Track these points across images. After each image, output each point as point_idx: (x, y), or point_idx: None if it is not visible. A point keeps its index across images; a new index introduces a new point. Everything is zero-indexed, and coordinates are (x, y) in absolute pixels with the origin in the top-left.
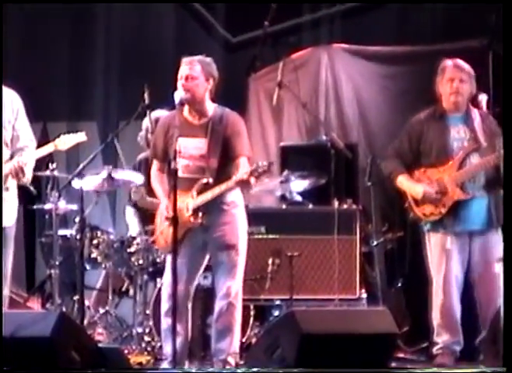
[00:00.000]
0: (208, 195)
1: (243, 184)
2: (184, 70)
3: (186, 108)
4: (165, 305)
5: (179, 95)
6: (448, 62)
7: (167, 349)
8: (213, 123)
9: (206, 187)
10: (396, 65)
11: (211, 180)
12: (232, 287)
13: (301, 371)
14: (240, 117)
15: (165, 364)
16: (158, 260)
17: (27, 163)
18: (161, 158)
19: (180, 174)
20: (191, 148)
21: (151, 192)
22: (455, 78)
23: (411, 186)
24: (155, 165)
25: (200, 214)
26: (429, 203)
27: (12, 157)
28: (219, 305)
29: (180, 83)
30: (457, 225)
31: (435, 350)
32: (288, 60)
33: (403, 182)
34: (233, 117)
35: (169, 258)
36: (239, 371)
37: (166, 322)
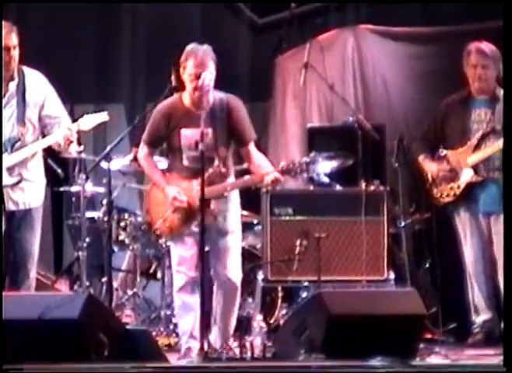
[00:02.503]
0: (227, 187)
1: (274, 183)
2: (197, 69)
3: (187, 97)
4: (177, 283)
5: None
6: (472, 47)
7: (183, 326)
8: (216, 112)
9: (216, 176)
10: (422, 45)
11: (223, 170)
12: (233, 271)
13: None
14: (239, 100)
15: (182, 342)
16: None
17: (73, 130)
18: (155, 145)
19: (186, 164)
20: (197, 139)
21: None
22: (477, 64)
23: (427, 165)
24: (144, 150)
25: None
26: (444, 182)
27: (43, 134)
28: (222, 287)
29: (194, 83)
30: (473, 206)
31: (473, 329)
32: (314, 41)
33: (422, 162)
34: (234, 102)
35: (171, 245)
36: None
37: (179, 299)
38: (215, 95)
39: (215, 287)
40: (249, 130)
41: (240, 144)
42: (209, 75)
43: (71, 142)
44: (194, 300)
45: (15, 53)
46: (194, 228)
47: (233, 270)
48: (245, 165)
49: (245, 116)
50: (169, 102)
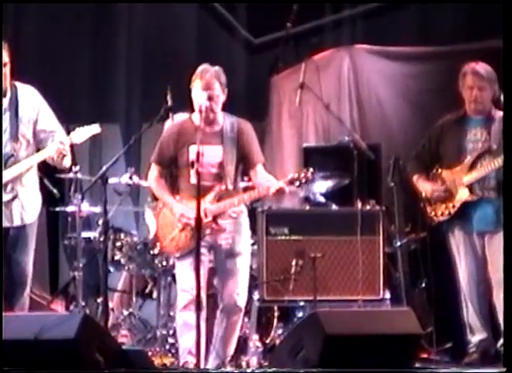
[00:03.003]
0: (234, 201)
1: (279, 193)
2: (204, 90)
3: (197, 116)
4: (181, 302)
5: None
6: (467, 69)
7: (183, 344)
8: (226, 131)
9: (223, 194)
10: (418, 65)
11: (230, 187)
12: (240, 294)
13: (319, 372)
14: (250, 124)
15: (182, 361)
16: None
17: (66, 144)
18: (165, 165)
19: (192, 181)
20: (206, 156)
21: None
22: (474, 86)
23: (421, 184)
24: (155, 170)
25: (219, 220)
26: (439, 202)
27: (38, 150)
28: (227, 310)
29: (202, 103)
30: (468, 225)
31: (469, 348)
32: (310, 61)
33: (416, 182)
34: (244, 125)
35: (176, 261)
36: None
37: (181, 318)
38: (225, 117)
39: (219, 310)
40: (257, 152)
41: (249, 166)
42: (215, 98)
43: (65, 156)
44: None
45: (7, 69)
46: (203, 249)
47: (241, 293)
48: (251, 183)
49: (254, 139)
50: (179, 121)
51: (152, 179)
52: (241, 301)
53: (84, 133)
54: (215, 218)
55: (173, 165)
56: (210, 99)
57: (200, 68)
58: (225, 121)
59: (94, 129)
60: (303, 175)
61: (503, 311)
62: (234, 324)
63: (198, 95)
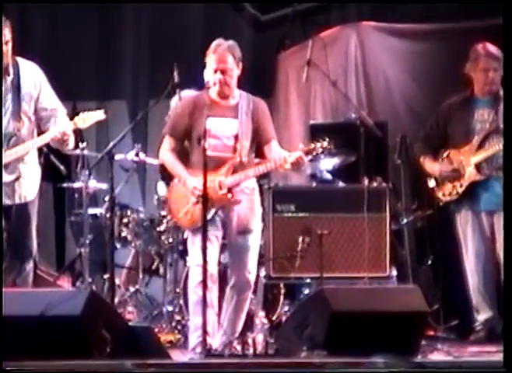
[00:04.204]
0: (249, 173)
1: (298, 164)
2: (217, 64)
3: (213, 90)
4: (195, 278)
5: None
6: (481, 50)
7: (197, 321)
8: (242, 105)
9: (237, 167)
10: (424, 42)
11: (245, 159)
12: (251, 272)
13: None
14: (265, 103)
15: (193, 337)
16: None
17: (67, 129)
18: (179, 137)
19: (209, 153)
20: (221, 128)
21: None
22: (490, 68)
23: (429, 165)
24: (168, 143)
25: (234, 192)
26: (447, 182)
27: (39, 126)
28: (238, 287)
29: (216, 77)
30: (476, 205)
31: (475, 326)
32: (317, 38)
33: (424, 162)
34: (260, 103)
35: (190, 236)
36: None
37: (196, 294)
38: (241, 94)
39: (228, 287)
40: (272, 130)
41: (263, 141)
42: (228, 71)
43: (67, 141)
44: (210, 296)
45: (9, 47)
46: (215, 224)
47: (252, 271)
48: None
49: (269, 117)
50: (195, 94)
51: (165, 151)
52: (252, 279)
53: (88, 118)
54: (230, 190)
55: (186, 138)
56: (223, 72)
57: (214, 43)
58: (241, 97)
59: (99, 115)
60: (319, 144)
61: (503, 309)
62: (243, 301)
63: (212, 70)
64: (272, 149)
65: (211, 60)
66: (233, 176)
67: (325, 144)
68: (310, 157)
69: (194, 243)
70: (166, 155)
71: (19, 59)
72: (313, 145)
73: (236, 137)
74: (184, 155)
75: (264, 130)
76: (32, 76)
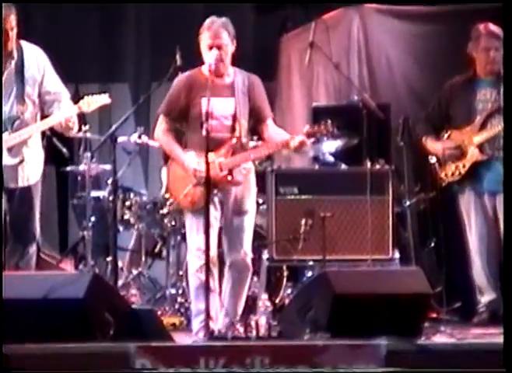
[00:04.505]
0: (250, 154)
1: (300, 147)
2: (213, 39)
3: (206, 67)
4: (196, 262)
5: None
6: (482, 30)
7: (199, 306)
8: (238, 84)
9: (236, 147)
10: (426, 24)
11: (244, 140)
12: (247, 252)
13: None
14: (259, 79)
15: (196, 322)
16: None
17: (72, 114)
18: (175, 117)
19: (204, 133)
20: (218, 108)
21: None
22: (491, 47)
23: (432, 144)
24: (163, 123)
25: (234, 173)
26: (450, 161)
27: (42, 110)
28: (235, 267)
29: (212, 54)
30: (479, 185)
31: (478, 308)
32: (319, 21)
33: (427, 142)
34: (255, 79)
35: (189, 218)
36: None
37: (198, 279)
38: (236, 71)
39: (226, 267)
40: (268, 107)
41: (260, 120)
42: (224, 47)
43: (71, 126)
44: (212, 280)
45: (14, 33)
46: (217, 204)
47: (248, 250)
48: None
49: (265, 94)
50: (188, 73)
51: (161, 132)
52: (248, 260)
53: (93, 102)
54: (230, 172)
55: (182, 119)
56: (219, 48)
57: (207, 20)
58: (236, 75)
59: (103, 99)
60: (323, 127)
61: (503, 310)
62: (243, 281)
63: (207, 45)
64: (269, 127)
65: (205, 36)
66: (233, 157)
67: (328, 126)
68: (312, 139)
69: (193, 226)
70: (162, 136)
71: (23, 42)
72: (316, 128)
73: (234, 117)
74: (177, 135)
75: (260, 108)
76: (36, 60)
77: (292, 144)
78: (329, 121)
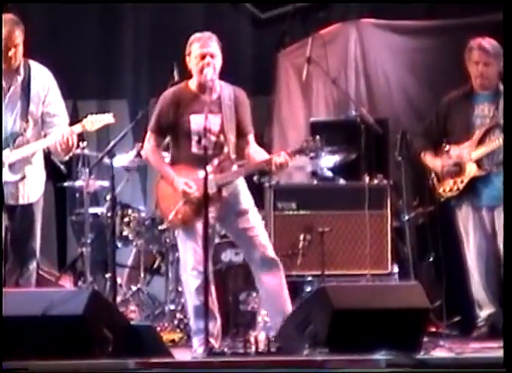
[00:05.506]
0: (241, 171)
1: (281, 167)
2: (204, 49)
3: (193, 83)
4: (193, 282)
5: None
6: (473, 44)
7: (199, 325)
8: (224, 99)
9: (225, 163)
10: (424, 39)
11: (233, 156)
12: (267, 246)
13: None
14: (244, 92)
15: (196, 340)
16: None
17: (73, 134)
18: (163, 134)
19: (195, 151)
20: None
21: None
22: (480, 61)
23: (430, 160)
24: (152, 140)
25: (223, 190)
26: (448, 177)
27: (42, 129)
28: (263, 265)
29: (203, 63)
30: (477, 200)
31: (478, 322)
32: (317, 35)
33: (426, 158)
34: (240, 93)
35: (181, 238)
36: None
37: (197, 300)
38: (222, 84)
39: (254, 271)
40: (250, 122)
41: (241, 135)
42: (214, 56)
43: (71, 147)
44: (211, 299)
45: (19, 49)
46: (210, 219)
47: (268, 245)
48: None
49: (249, 109)
50: (175, 88)
51: (149, 149)
52: (271, 252)
53: (97, 121)
54: (219, 190)
55: (170, 135)
56: (211, 56)
57: (195, 34)
58: (222, 89)
59: (107, 118)
60: (311, 144)
61: (503, 311)
62: (279, 278)
63: (199, 54)
64: (250, 144)
65: (195, 48)
66: (222, 174)
67: (317, 142)
68: (295, 158)
69: (186, 246)
70: (150, 153)
71: (32, 62)
72: (304, 144)
73: (222, 133)
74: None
75: (242, 123)
76: (42, 79)
77: (274, 161)
78: (317, 137)
